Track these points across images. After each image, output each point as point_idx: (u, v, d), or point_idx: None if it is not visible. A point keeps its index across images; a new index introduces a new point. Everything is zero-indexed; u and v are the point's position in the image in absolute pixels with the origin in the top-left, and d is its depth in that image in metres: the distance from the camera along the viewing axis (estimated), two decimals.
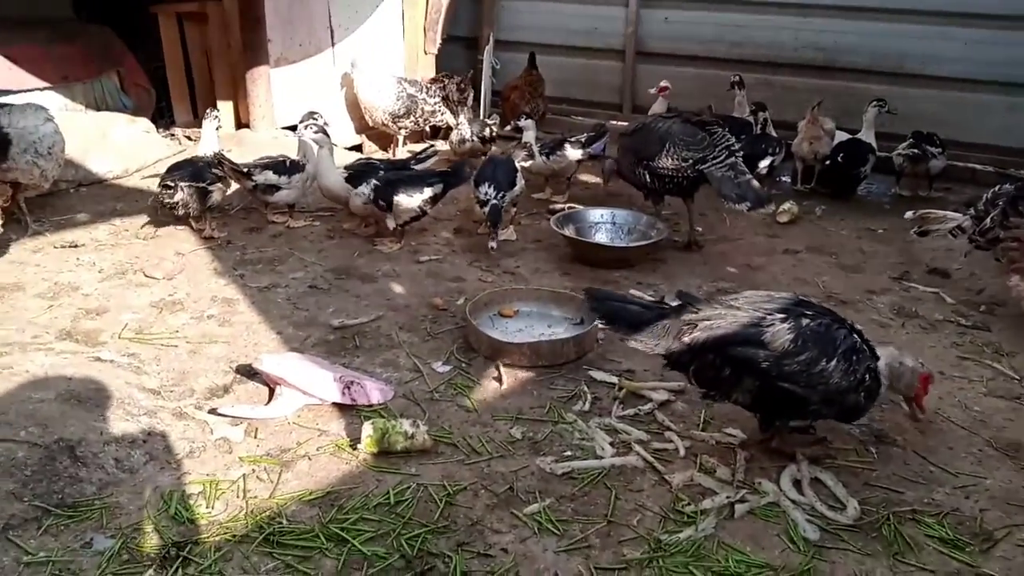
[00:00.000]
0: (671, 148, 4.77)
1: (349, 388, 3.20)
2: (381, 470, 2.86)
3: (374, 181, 4.71)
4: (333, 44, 6.96)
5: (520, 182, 5.09)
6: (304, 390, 3.16)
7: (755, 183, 4.70)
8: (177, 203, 4.67)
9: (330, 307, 4.06)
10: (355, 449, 2.94)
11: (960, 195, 6.18)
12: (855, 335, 2.81)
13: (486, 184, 4.75)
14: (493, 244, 4.61)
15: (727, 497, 2.73)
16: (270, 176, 4.91)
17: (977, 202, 4.39)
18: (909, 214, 4.66)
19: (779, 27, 6.97)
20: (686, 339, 2.80)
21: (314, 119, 4.90)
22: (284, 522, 2.58)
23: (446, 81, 7.18)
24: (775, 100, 6.92)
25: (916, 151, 5.91)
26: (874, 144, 6.06)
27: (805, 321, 2.75)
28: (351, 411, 3.19)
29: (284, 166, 4.94)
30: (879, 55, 6.69)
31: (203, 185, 4.70)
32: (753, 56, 7.10)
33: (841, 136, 6.22)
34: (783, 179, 6.52)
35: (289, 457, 2.92)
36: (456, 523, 2.62)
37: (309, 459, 2.91)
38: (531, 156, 5.51)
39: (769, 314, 2.77)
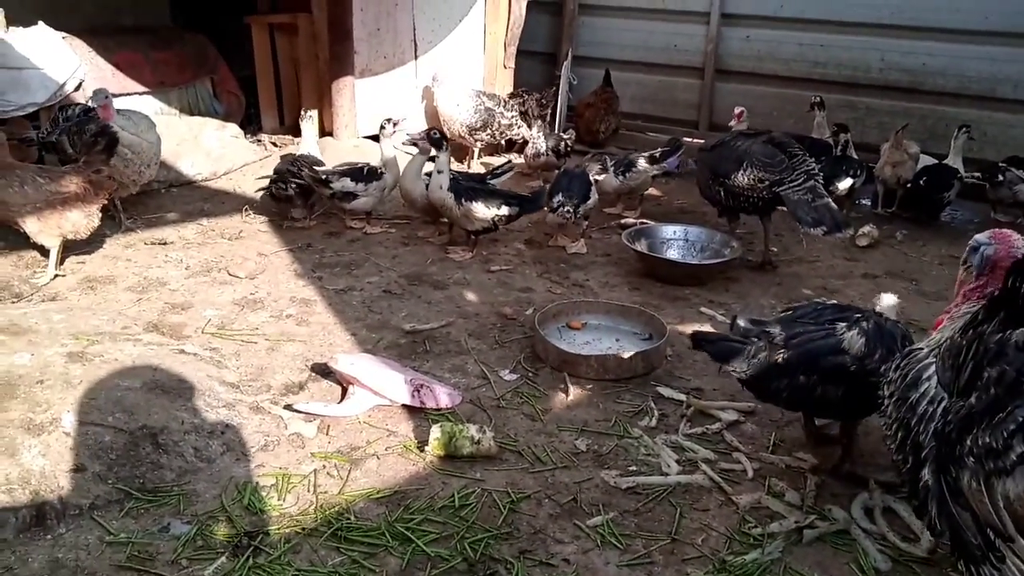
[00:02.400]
0: (748, 167, 4.75)
1: (419, 391, 3.27)
2: (447, 473, 2.91)
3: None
4: (416, 57, 7.13)
5: (594, 195, 5.12)
6: (375, 391, 3.23)
7: (833, 206, 4.62)
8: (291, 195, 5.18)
9: (402, 311, 4.15)
10: (422, 451, 3.00)
11: None
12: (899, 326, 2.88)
13: (560, 194, 4.81)
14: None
15: (795, 522, 2.68)
16: (347, 183, 5.05)
17: None
18: None
19: (864, 47, 6.80)
20: (778, 359, 2.78)
21: (393, 124, 5.10)
22: (352, 518, 2.64)
23: (526, 96, 7.28)
24: (857, 122, 6.78)
25: (992, 175, 5.74)
26: (961, 170, 5.86)
27: (864, 324, 2.78)
28: (420, 414, 3.25)
29: (361, 174, 5.08)
30: (969, 78, 6.46)
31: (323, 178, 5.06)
32: (836, 77, 6.94)
33: (927, 161, 6.03)
34: (863, 202, 6.36)
35: (359, 455, 2.99)
36: (519, 530, 2.64)
37: (378, 458, 2.98)
38: (604, 170, 5.53)
39: (832, 323, 2.82)
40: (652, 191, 6.20)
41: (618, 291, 4.58)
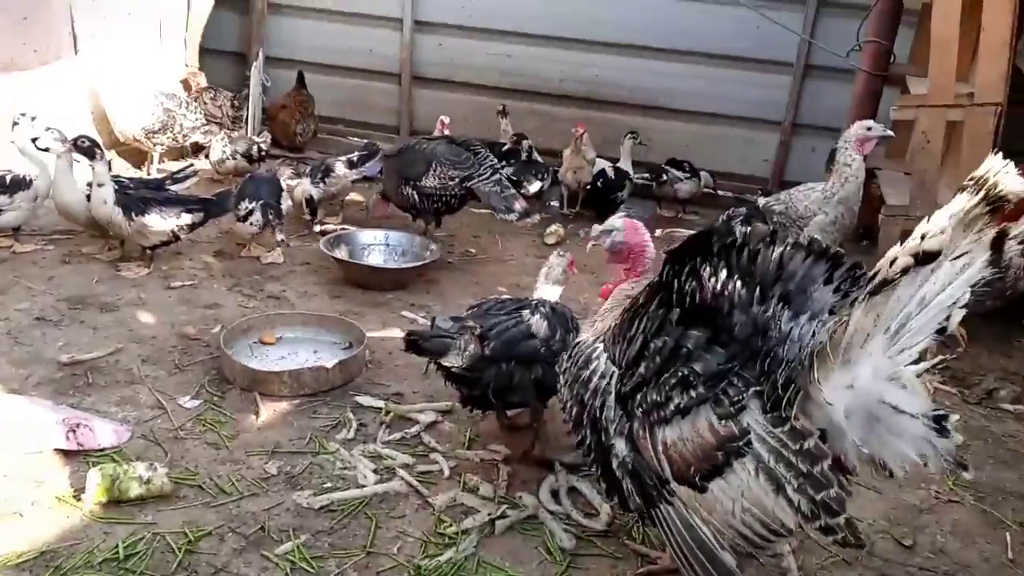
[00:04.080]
0: (437, 167, 4.96)
1: (75, 431, 2.84)
2: (110, 521, 2.56)
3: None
4: (76, 51, 6.29)
5: (286, 201, 4.89)
6: (17, 438, 2.75)
7: (519, 196, 5.08)
8: None
9: (60, 341, 3.61)
10: (79, 500, 2.60)
11: (707, 218, 6.78)
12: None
13: (246, 200, 4.52)
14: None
15: (488, 514, 2.73)
16: None
17: (715, 223, 4.83)
18: (659, 232, 5.02)
19: (546, 59, 7.29)
20: (486, 350, 2.86)
21: (31, 119, 4.40)
22: None
23: (215, 97, 6.76)
24: (543, 129, 7.24)
25: (657, 175, 6.53)
26: (631, 172, 6.51)
27: (542, 309, 3.04)
28: (78, 457, 2.83)
29: (4, 184, 4.33)
30: (634, 89, 7.21)
31: None
32: (523, 85, 7.36)
33: (603, 164, 6.60)
34: (552, 203, 6.80)
35: None
36: (197, 573, 2.39)
37: (21, 516, 2.54)
38: (297, 175, 5.31)
39: (517, 312, 3.01)
40: (354, 196, 6.09)
41: (318, 300, 4.41)
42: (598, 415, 2.24)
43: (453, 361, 2.87)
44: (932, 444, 1.82)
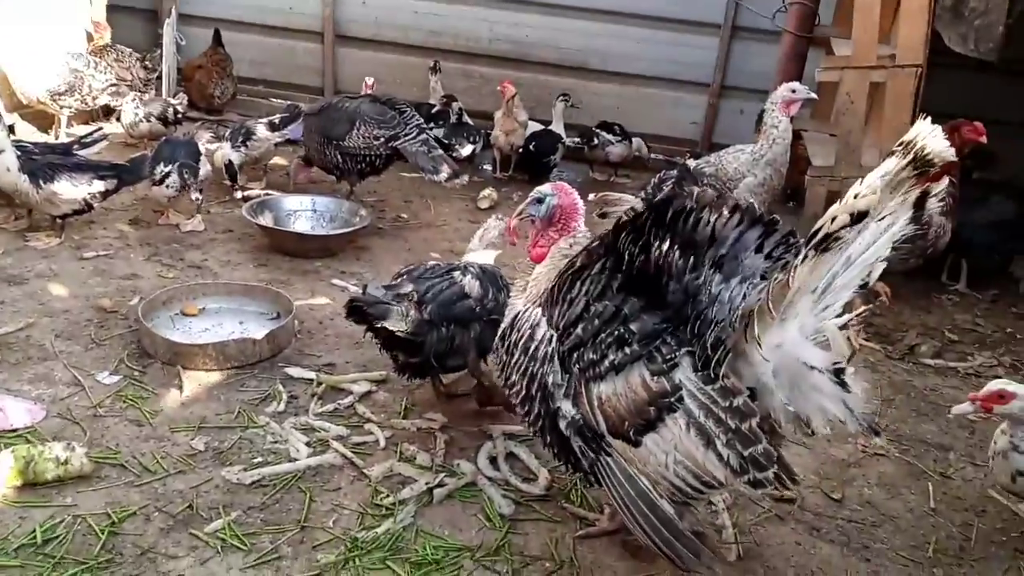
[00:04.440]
0: (361, 127, 4.85)
1: None
2: (26, 505, 2.43)
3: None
4: None
5: (205, 165, 4.67)
6: None
7: (447, 156, 5.04)
8: None
9: None
10: None
11: (639, 180, 6.81)
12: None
13: (162, 164, 4.31)
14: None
15: (426, 483, 2.69)
16: None
17: (647, 186, 4.83)
18: (591, 196, 5.00)
19: (475, 18, 7.14)
20: (424, 314, 2.86)
21: None
22: None
23: (125, 56, 6.39)
24: (473, 90, 7.12)
25: (588, 139, 6.50)
26: (563, 134, 6.46)
27: (472, 269, 3.07)
28: None
29: None
30: (565, 50, 7.14)
31: None
32: (452, 46, 7.20)
33: (535, 127, 6.54)
34: (485, 167, 6.71)
35: None
36: (123, 555, 2.29)
37: None
38: (217, 138, 5.09)
39: (448, 274, 3.01)
40: (278, 160, 5.88)
41: (242, 270, 4.25)
42: (546, 382, 2.23)
43: (397, 326, 2.83)
44: (842, 401, 1.88)
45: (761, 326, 1.87)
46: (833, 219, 1.75)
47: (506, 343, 2.40)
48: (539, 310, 2.33)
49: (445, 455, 2.88)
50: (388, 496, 2.63)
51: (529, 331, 2.30)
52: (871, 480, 3.04)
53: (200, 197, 4.58)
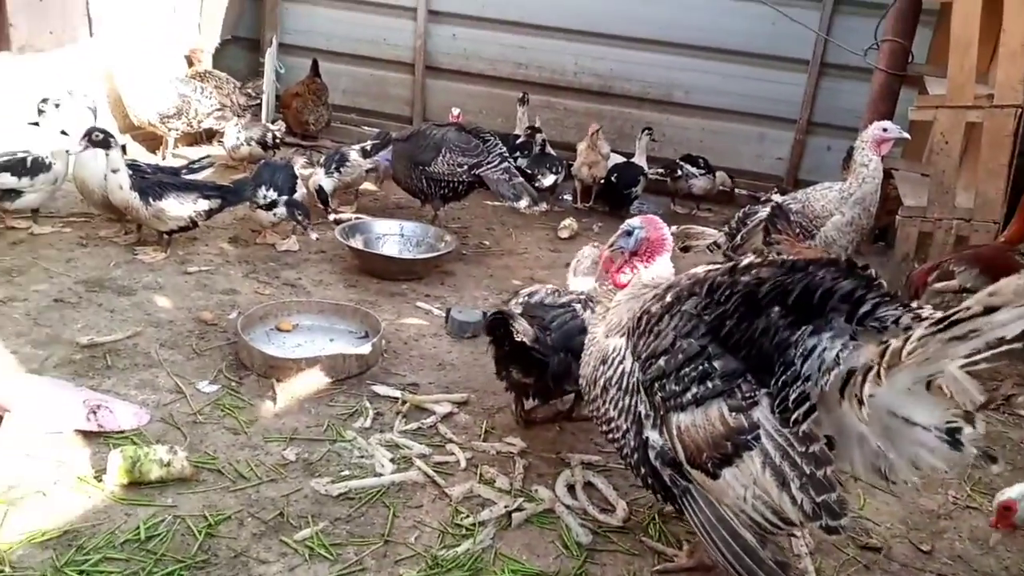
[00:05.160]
0: (447, 153, 5.05)
1: (95, 412, 2.85)
2: (132, 503, 2.57)
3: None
4: (91, 34, 6.29)
5: (300, 188, 4.90)
6: (39, 417, 2.76)
7: (527, 184, 5.19)
8: None
9: (78, 323, 3.62)
10: (101, 481, 2.62)
11: (721, 215, 6.77)
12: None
13: (264, 187, 4.55)
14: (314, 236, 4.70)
15: (505, 506, 2.73)
16: (7, 179, 4.29)
17: (730, 220, 4.81)
18: (673, 229, 5.00)
19: (560, 51, 7.27)
20: (549, 340, 2.95)
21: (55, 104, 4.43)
22: (6, 569, 2.22)
23: (223, 83, 6.75)
24: (556, 122, 7.24)
25: (672, 171, 6.53)
26: (645, 167, 6.49)
27: (591, 304, 3.11)
28: (99, 439, 2.84)
29: (24, 166, 4.33)
30: (649, 84, 7.19)
31: None
32: (536, 78, 7.34)
33: (617, 159, 6.59)
34: (565, 197, 6.79)
35: (17, 494, 2.53)
36: (217, 556, 2.40)
37: (44, 495, 2.55)
38: (311, 164, 5.33)
39: (570, 305, 3.13)
40: (368, 185, 6.09)
41: (333, 289, 4.42)
42: (639, 412, 2.29)
43: (534, 343, 2.93)
44: (946, 455, 1.88)
45: (865, 387, 1.87)
46: (968, 308, 1.73)
47: (596, 377, 2.44)
48: (622, 340, 2.37)
49: (524, 480, 2.92)
50: (468, 516, 2.69)
51: (619, 365, 2.36)
52: (962, 533, 2.94)
53: (316, 234, 4.74)
